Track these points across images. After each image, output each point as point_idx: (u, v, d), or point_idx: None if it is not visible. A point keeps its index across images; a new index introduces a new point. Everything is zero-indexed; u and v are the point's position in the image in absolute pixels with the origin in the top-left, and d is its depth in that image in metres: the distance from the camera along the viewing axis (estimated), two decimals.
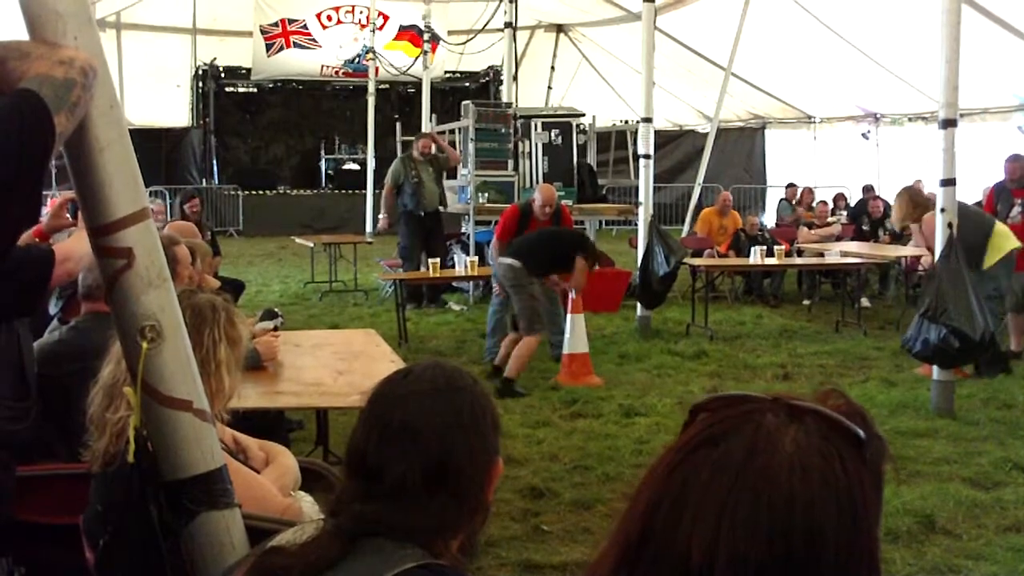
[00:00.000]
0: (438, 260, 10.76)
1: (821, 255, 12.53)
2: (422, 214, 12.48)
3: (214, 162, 24.64)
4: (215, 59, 24.34)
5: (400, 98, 25.89)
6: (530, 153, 14.26)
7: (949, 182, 7.34)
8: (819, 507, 0.96)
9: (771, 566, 0.95)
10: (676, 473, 1.03)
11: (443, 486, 1.62)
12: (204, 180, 23.88)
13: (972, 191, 14.53)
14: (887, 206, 15.10)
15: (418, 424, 1.64)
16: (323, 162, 25.11)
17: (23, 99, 1.66)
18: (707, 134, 17.33)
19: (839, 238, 14.26)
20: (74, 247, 3.11)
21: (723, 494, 0.98)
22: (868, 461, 1.00)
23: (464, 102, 14.34)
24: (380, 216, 13.16)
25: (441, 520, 1.61)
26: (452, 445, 1.64)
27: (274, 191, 24.42)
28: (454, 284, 12.73)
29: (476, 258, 11.04)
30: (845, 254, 12.20)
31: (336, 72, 25.27)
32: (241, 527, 2.10)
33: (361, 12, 23.94)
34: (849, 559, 0.97)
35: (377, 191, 19.49)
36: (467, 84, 25.77)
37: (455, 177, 13.74)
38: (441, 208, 12.87)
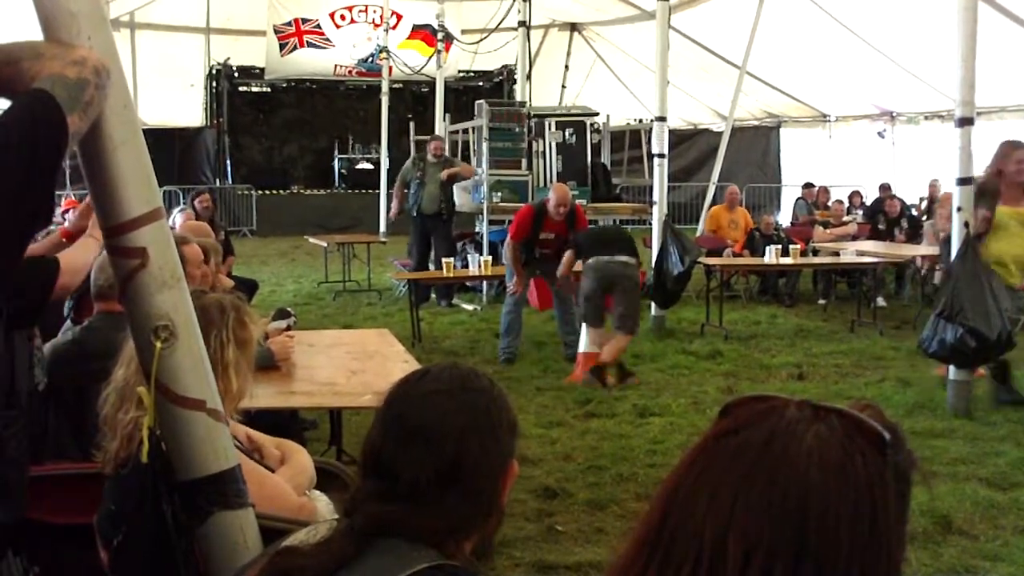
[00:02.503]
0: (451, 260, 10.78)
1: (837, 254, 12.49)
2: (415, 215, 12.61)
3: (227, 162, 24.70)
4: (229, 59, 24.39)
5: (414, 97, 25.91)
6: (544, 152, 14.25)
7: (966, 181, 7.29)
8: (835, 499, 0.96)
9: (783, 552, 0.95)
10: (696, 461, 1.04)
11: (457, 487, 1.61)
12: (217, 180, 23.96)
13: None
14: (903, 205, 15.07)
15: (434, 425, 1.63)
16: (336, 162, 25.16)
17: (36, 99, 1.66)
18: (722, 133, 17.26)
19: (855, 237, 14.21)
20: (71, 261, 3.08)
21: (739, 477, 0.99)
22: (893, 465, 0.99)
23: (478, 101, 14.35)
24: (392, 204, 13.22)
25: (455, 521, 1.60)
26: (467, 447, 1.63)
27: (287, 191, 24.50)
28: (468, 284, 12.74)
29: (489, 258, 11.03)
30: (861, 253, 12.16)
31: (350, 71, 25.30)
32: (255, 527, 2.10)
33: (375, 11, 23.97)
34: (865, 556, 0.96)
35: (391, 191, 19.56)
36: (481, 83, 25.78)
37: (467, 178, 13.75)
38: (444, 212, 12.83)
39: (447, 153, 13.18)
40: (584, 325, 8.74)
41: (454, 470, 1.61)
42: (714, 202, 15.78)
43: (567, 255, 8.89)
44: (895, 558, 0.99)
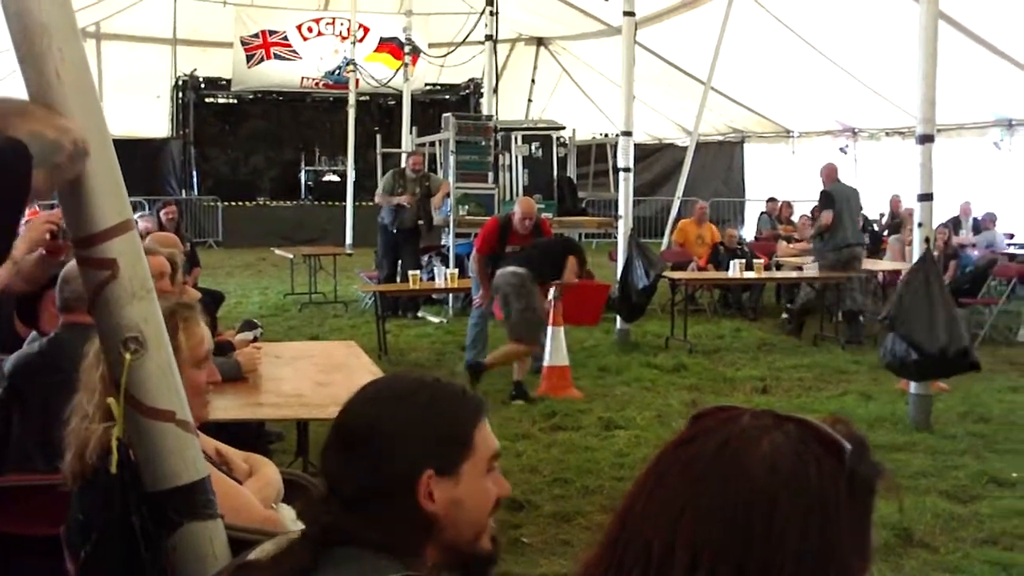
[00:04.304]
0: (418, 273, 10.81)
1: (800, 269, 12.59)
2: (395, 231, 12.61)
3: (193, 173, 24.56)
4: (195, 70, 24.28)
5: (380, 110, 25.86)
6: (510, 166, 14.32)
7: (926, 197, 7.40)
8: (784, 505, 0.97)
9: (729, 556, 0.96)
10: (653, 470, 1.05)
11: (378, 495, 1.61)
12: (183, 191, 23.82)
13: (949, 206, 14.68)
14: (865, 220, 15.23)
15: (358, 432, 1.64)
16: (303, 174, 25.04)
17: (8, 144, 1.66)
18: (687, 147, 17.40)
19: None
20: None
21: (690, 483, 1.00)
22: (850, 473, 1.01)
23: (445, 114, 14.37)
24: (402, 198, 12.80)
25: (387, 531, 1.59)
26: (385, 454, 1.62)
27: (254, 202, 24.41)
28: (434, 296, 12.75)
29: (456, 270, 11.05)
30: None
31: (316, 84, 25.25)
32: (224, 538, 2.10)
33: (342, 24, 23.93)
34: (814, 563, 0.96)
35: (357, 203, 19.55)
36: (448, 96, 25.78)
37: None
38: (423, 226, 12.86)
39: (425, 168, 13.23)
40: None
41: (374, 477, 1.61)
42: (679, 216, 15.89)
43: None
44: (852, 568, 1.00)
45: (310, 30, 24.72)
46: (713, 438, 1.02)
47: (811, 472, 0.99)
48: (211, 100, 25.59)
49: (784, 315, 12.85)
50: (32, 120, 1.73)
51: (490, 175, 13.66)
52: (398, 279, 12.21)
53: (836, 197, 11.40)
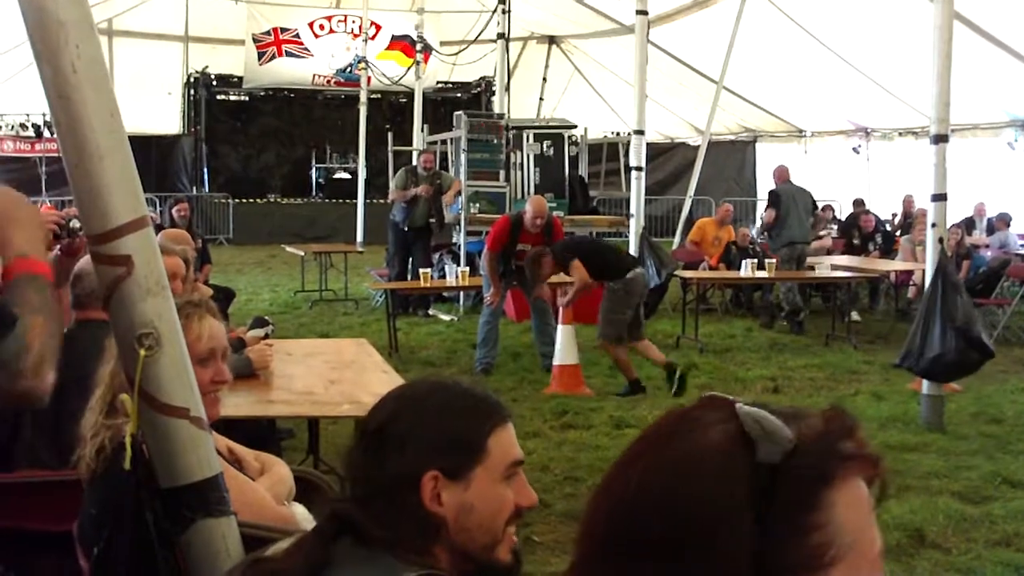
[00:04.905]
0: (429, 270, 10.81)
1: (811, 268, 12.56)
2: (406, 229, 12.61)
3: (205, 170, 24.64)
4: (207, 67, 24.36)
5: (392, 108, 25.88)
6: (522, 164, 14.32)
7: (940, 197, 7.37)
8: (690, 497, 0.93)
9: (640, 548, 0.94)
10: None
11: (383, 492, 1.62)
12: (195, 188, 23.90)
13: (962, 206, 14.63)
14: (878, 220, 15.19)
15: (372, 431, 1.66)
16: (314, 171, 25.08)
17: (5, 309, 1.63)
18: (698, 147, 17.36)
19: (829, 252, 14.29)
20: None
21: (617, 466, 1.01)
22: (778, 469, 0.94)
23: (456, 112, 14.38)
24: (418, 188, 12.78)
25: (394, 530, 1.59)
26: (388, 452, 1.63)
27: (264, 199, 24.43)
28: (445, 294, 12.75)
29: (467, 268, 11.04)
30: (835, 268, 12.23)
31: (328, 81, 25.30)
32: (236, 535, 2.10)
33: (353, 22, 23.97)
34: (708, 555, 0.91)
35: (368, 200, 19.59)
36: (459, 94, 25.80)
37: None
38: (434, 225, 12.87)
39: (437, 167, 13.25)
40: (605, 340, 8.59)
41: (383, 475, 1.62)
42: (691, 215, 15.85)
43: (549, 263, 8.67)
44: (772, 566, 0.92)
45: (322, 27, 24.77)
46: (661, 431, 1.01)
47: (721, 465, 0.94)
48: (223, 97, 25.64)
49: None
50: (39, 323, 1.70)
51: (501, 173, 13.66)
52: (409, 277, 12.21)
53: (782, 197, 12.22)
